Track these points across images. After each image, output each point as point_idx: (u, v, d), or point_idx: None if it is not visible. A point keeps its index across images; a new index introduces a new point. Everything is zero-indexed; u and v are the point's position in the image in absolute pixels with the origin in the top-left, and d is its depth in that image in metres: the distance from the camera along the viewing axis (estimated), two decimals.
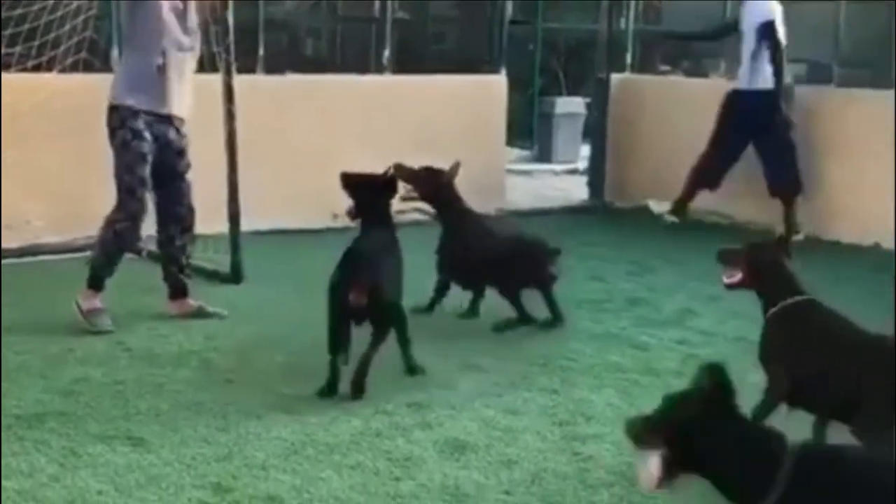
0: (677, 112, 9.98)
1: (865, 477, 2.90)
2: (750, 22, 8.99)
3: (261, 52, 9.10)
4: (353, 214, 5.65)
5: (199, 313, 6.28)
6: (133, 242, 6.27)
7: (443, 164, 9.18)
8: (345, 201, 5.67)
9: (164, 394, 5.03)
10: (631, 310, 6.89)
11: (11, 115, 7.28)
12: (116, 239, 6.06)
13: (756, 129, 8.92)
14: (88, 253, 6.42)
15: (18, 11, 7.59)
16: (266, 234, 8.18)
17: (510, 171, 10.88)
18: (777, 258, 4.56)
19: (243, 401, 4.98)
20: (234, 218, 7.06)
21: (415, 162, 8.86)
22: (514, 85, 10.94)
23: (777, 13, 8.99)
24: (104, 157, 6.19)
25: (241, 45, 9.21)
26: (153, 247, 7.29)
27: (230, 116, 7.06)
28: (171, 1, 6.02)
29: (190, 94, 6.21)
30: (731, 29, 9.55)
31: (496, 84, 9.98)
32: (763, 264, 4.55)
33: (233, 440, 4.51)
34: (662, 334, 6.32)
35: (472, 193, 9.40)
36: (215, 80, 7.08)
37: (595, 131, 10.45)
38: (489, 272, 6.35)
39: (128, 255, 6.96)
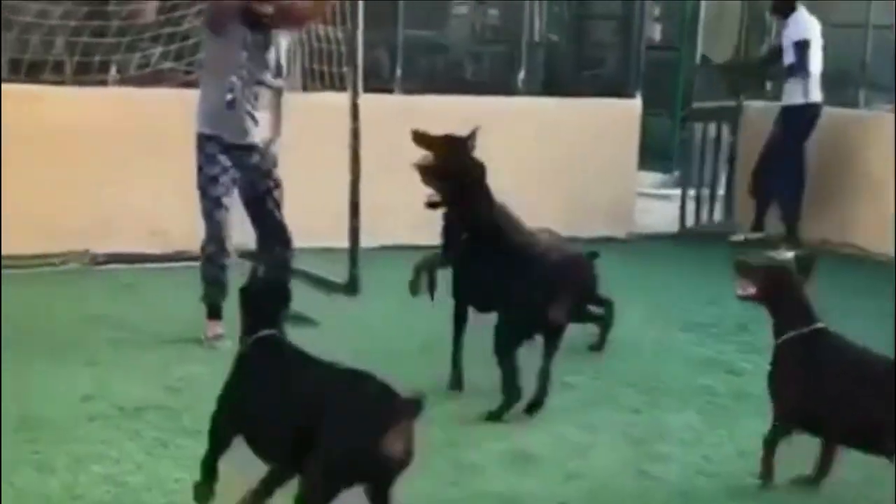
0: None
1: None
2: (789, 39, 9.36)
3: (398, 72, 9.38)
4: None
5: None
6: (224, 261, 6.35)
7: (573, 186, 9.49)
8: None
9: None
10: (737, 335, 6.91)
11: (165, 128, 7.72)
12: (209, 264, 6.28)
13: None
14: None
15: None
16: (392, 248, 8.44)
17: (647, 195, 10.95)
18: (793, 284, 4.53)
19: None
20: (354, 232, 7.34)
21: (546, 184, 9.16)
22: (658, 108, 11.05)
23: (814, 32, 9.37)
24: None
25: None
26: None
27: (355, 135, 7.37)
28: (252, 34, 6.17)
29: (275, 119, 6.38)
30: (777, 54, 9.76)
31: (630, 108, 10.07)
32: (779, 288, 4.53)
33: None
34: (762, 361, 6.30)
35: (602, 215, 9.72)
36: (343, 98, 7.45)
37: (729, 158, 10.47)
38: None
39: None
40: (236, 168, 6.27)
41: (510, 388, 5.14)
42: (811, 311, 4.49)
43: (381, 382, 3.54)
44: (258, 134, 6.31)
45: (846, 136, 9.72)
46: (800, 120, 9.44)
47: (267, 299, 3.98)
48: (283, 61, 6.42)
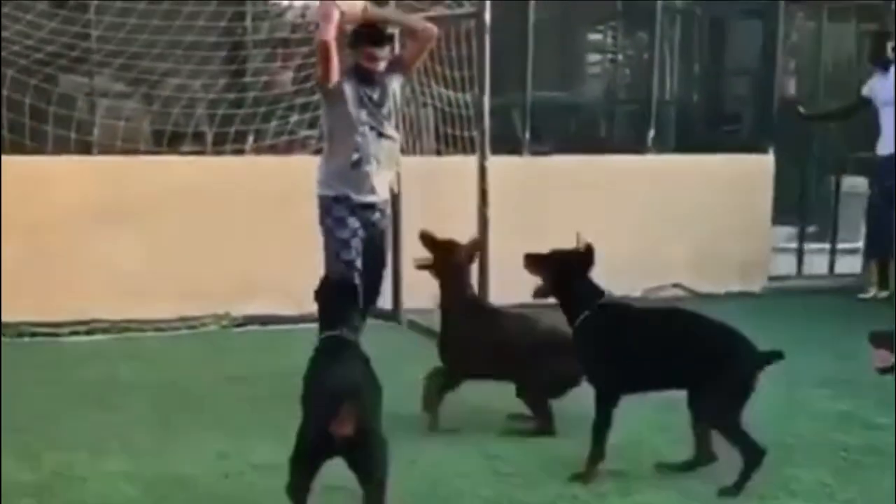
0: None
1: None
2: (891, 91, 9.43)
3: (527, 135, 9.50)
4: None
5: None
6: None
7: (706, 242, 9.46)
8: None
9: None
10: (875, 390, 6.76)
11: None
12: None
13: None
14: None
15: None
16: (523, 307, 8.50)
17: (785, 250, 10.84)
18: None
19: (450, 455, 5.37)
20: (482, 290, 7.42)
21: (672, 240, 9.15)
22: (797, 163, 10.96)
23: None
24: None
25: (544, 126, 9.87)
26: (413, 316, 7.89)
27: (483, 196, 7.50)
28: (361, 88, 6.33)
29: (391, 175, 6.61)
30: (866, 104, 9.81)
31: (763, 163, 10.03)
32: None
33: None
34: None
35: (736, 270, 9.67)
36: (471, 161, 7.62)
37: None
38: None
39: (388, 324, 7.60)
40: (362, 227, 6.42)
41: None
42: None
43: None
44: (383, 191, 6.49)
45: None
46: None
47: (335, 301, 4.72)
48: (396, 108, 6.56)
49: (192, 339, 7.95)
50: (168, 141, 8.53)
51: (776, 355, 4.96)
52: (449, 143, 8.85)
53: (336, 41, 6.22)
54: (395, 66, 6.51)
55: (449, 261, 6.11)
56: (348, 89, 6.33)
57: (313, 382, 4.46)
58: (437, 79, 8.63)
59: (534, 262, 5.45)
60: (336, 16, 6.20)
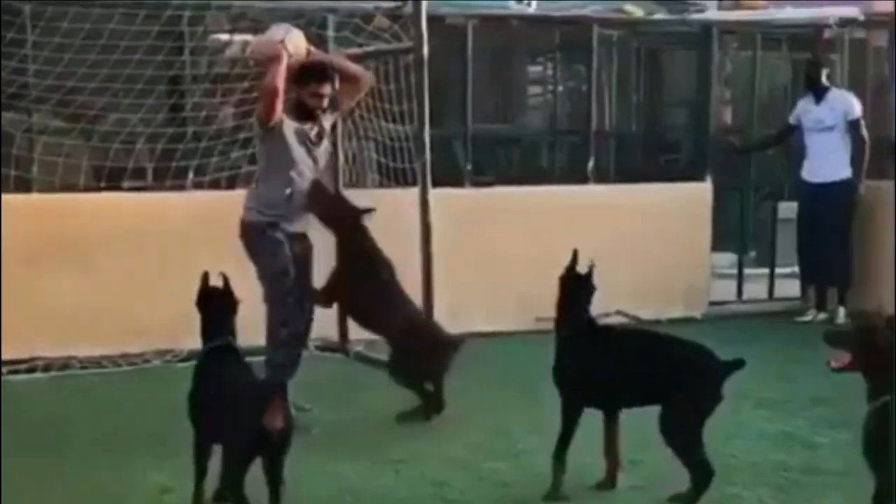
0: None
1: None
2: (839, 114, 9.71)
3: (468, 167, 9.58)
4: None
5: None
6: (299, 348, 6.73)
7: (647, 270, 9.57)
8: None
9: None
10: (812, 409, 6.90)
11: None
12: (282, 350, 6.54)
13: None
14: None
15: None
16: (467, 336, 8.55)
17: (723, 276, 10.98)
18: (887, 344, 4.38)
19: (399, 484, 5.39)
20: (427, 318, 7.47)
21: (614, 268, 9.22)
22: (735, 190, 11.13)
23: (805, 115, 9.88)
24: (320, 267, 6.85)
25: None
26: (361, 348, 7.92)
27: (426, 228, 7.54)
28: (300, 125, 6.51)
29: None
30: (792, 130, 10.12)
31: (700, 191, 10.18)
32: (872, 350, 4.40)
33: None
34: (838, 435, 6.29)
35: (677, 297, 9.79)
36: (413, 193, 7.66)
37: None
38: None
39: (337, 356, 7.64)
40: (293, 256, 6.54)
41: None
42: None
43: None
44: (307, 226, 6.67)
45: None
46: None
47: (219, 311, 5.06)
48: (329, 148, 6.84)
49: (136, 375, 7.91)
50: (108, 177, 8.50)
51: (738, 364, 5.08)
52: (390, 176, 8.90)
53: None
54: (330, 105, 6.70)
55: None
56: (288, 127, 6.47)
57: (218, 388, 4.80)
58: (378, 112, 8.70)
59: None
60: (284, 57, 6.31)
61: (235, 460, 4.52)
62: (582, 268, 5.52)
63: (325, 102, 6.58)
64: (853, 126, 9.74)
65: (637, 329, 5.66)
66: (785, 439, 6.29)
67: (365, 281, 6.67)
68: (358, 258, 6.76)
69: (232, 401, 4.68)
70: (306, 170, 6.58)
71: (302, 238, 6.67)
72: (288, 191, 6.51)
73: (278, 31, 6.60)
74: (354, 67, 6.93)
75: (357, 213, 6.80)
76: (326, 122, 6.70)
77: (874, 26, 10.97)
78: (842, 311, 9.93)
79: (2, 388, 7.39)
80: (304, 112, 6.53)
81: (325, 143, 6.72)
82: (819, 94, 9.86)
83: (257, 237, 6.50)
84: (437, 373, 6.37)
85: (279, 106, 6.37)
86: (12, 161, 8.15)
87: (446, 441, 6.14)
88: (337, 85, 6.87)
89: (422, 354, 6.33)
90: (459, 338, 6.40)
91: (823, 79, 9.85)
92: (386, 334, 6.61)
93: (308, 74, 6.49)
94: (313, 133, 6.58)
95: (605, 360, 5.30)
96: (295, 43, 6.51)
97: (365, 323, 6.93)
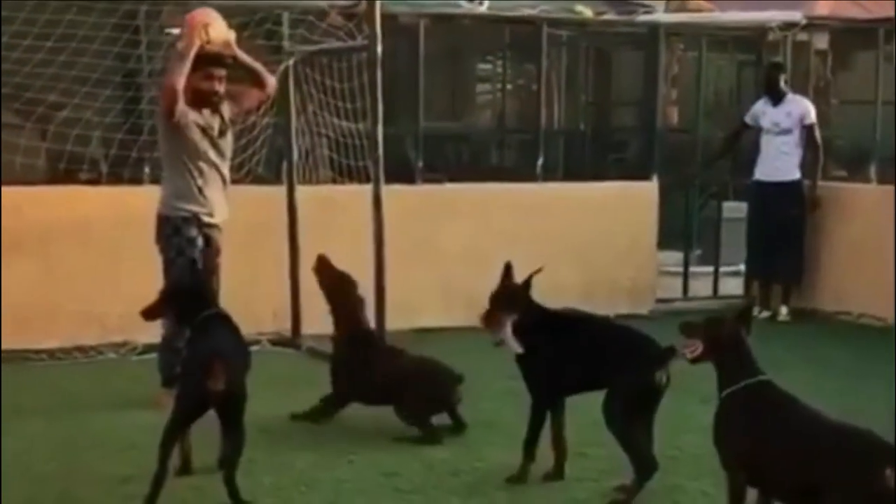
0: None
1: None
2: (795, 118, 9.99)
3: (420, 164, 9.71)
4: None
5: None
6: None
7: (595, 267, 9.76)
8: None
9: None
10: None
11: None
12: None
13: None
14: None
15: None
16: (418, 331, 8.70)
17: (670, 274, 11.21)
18: (734, 334, 4.54)
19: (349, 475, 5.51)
20: (379, 316, 7.60)
21: (562, 265, 9.41)
22: (681, 189, 11.35)
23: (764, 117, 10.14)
24: (274, 264, 6.86)
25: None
26: (313, 343, 8.02)
27: (378, 225, 7.68)
28: (201, 116, 6.68)
29: (225, 198, 6.90)
30: (747, 129, 10.41)
31: (647, 190, 10.39)
32: (720, 339, 4.55)
33: None
34: None
35: (624, 294, 9.99)
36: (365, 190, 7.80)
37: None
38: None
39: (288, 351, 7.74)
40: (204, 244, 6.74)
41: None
42: (754, 364, 4.52)
43: None
44: (222, 213, 6.83)
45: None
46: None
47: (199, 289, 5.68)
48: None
49: (90, 367, 7.98)
50: (64, 171, 8.54)
51: (670, 351, 5.19)
52: (343, 173, 9.02)
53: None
54: (233, 100, 6.88)
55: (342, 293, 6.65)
56: (190, 120, 6.65)
57: (190, 354, 5.37)
58: (331, 109, 8.81)
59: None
60: (196, 43, 6.53)
61: (174, 419, 5.00)
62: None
63: (218, 87, 6.70)
64: (809, 130, 10.05)
65: (586, 315, 5.79)
66: None
67: (365, 361, 6.52)
68: (356, 337, 6.66)
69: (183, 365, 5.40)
70: (214, 160, 6.77)
71: (215, 229, 6.84)
72: (200, 181, 6.70)
73: (201, 15, 6.73)
74: (260, 69, 7.05)
75: (355, 287, 6.75)
76: (227, 113, 6.85)
77: (816, 29, 11.22)
78: (784, 309, 10.20)
79: None
80: (201, 99, 6.66)
81: (229, 135, 6.91)
82: (776, 97, 10.10)
83: (170, 234, 6.68)
84: (444, 406, 6.39)
85: (181, 102, 6.53)
86: None
87: (397, 432, 6.26)
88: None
89: (428, 396, 6.34)
90: (459, 373, 6.43)
91: (782, 83, 10.10)
92: (394, 393, 6.40)
93: (200, 59, 6.60)
94: (216, 123, 6.77)
95: (556, 347, 5.46)
96: (216, 30, 6.67)
97: (375, 400, 6.53)
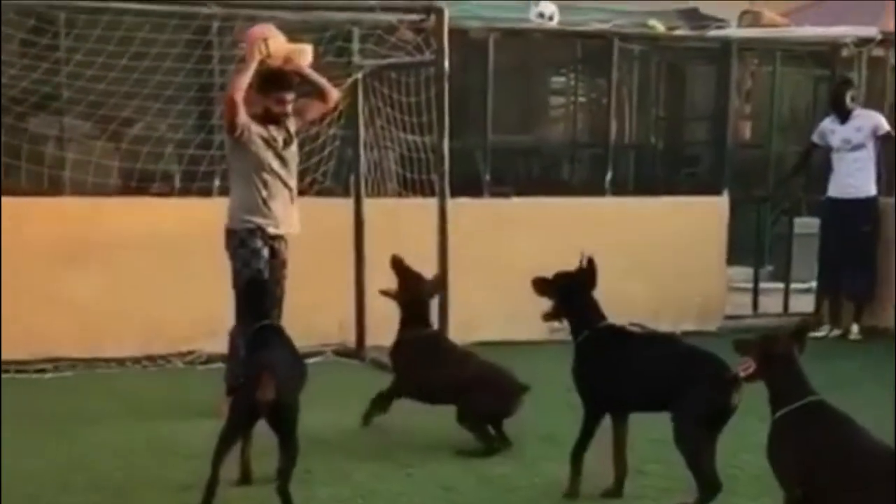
0: None
1: None
2: (867, 132, 9.84)
3: (487, 177, 9.73)
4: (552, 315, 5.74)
5: None
6: None
7: (660, 281, 9.70)
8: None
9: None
10: None
11: None
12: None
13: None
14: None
15: None
16: (483, 344, 8.70)
17: (740, 290, 11.11)
18: (787, 352, 4.48)
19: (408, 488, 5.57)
20: (442, 328, 7.62)
21: (630, 281, 9.36)
22: (753, 204, 11.27)
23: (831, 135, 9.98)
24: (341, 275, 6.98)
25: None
26: (377, 355, 8.07)
27: (443, 237, 7.73)
28: (267, 130, 6.79)
29: (293, 210, 6.98)
30: (815, 148, 10.26)
31: (717, 205, 10.31)
32: (773, 358, 4.49)
33: None
34: None
35: (692, 310, 9.91)
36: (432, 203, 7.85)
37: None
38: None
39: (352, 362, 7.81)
40: (270, 256, 6.84)
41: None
42: (806, 384, 4.46)
43: None
44: (288, 225, 6.92)
45: None
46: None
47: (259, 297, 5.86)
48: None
49: (158, 375, 8.11)
50: (136, 181, 8.70)
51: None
52: (409, 187, 9.07)
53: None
54: (297, 113, 6.99)
55: (413, 292, 6.64)
56: (255, 133, 6.76)
57: (247, 364, 5.47)
58: (399, 124, 8.87)
59: (540, 284, 5.72)
60: (256, 56, 6.67)
61: (227, 428, 5.12)
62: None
63: (289, 108, 6.86)
64: (884, 140, 9.93)
65: (650, 332, 5.75)
66: None
67: (433, 359, 6.60)
68: (424, 337, 6.73)
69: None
70: (279, 172, 6.87)
71: (280, 240, 6.94)
72: (264, 193, 6.80)
73: (262, 30, 6.88)
74: (323, 82, 7.15)
75: (429, 288, 6.86)
76: (292, 126, 6.97)
77: (892, 45, 11.06)
78: (855, 327, 10.06)
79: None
80: (270, 117, 6.82)
81: (294, 147, 7.01)
82: (843, 114, 9.97)
83: (237, 246, 6.79)
84: (504, 416, 6.39)
85: (242, 114, 6.67)
86: (45, 161, 8.35)
87: (458, 445, 6.28)
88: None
89: (491, 400, 6.35)
90: (524, 384, 6.41)
91: (849, 100, 9.97)
92: (458, 394, 6.40)
93: (270, 82, 6.78)
94: (281, 137, 6.88)
95: (618, 364, 5.42)
96: (275, 46, 6.79)
97: (438, 399, 6.54)
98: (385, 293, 6.76)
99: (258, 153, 6.80)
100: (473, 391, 6.31)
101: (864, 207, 9.96)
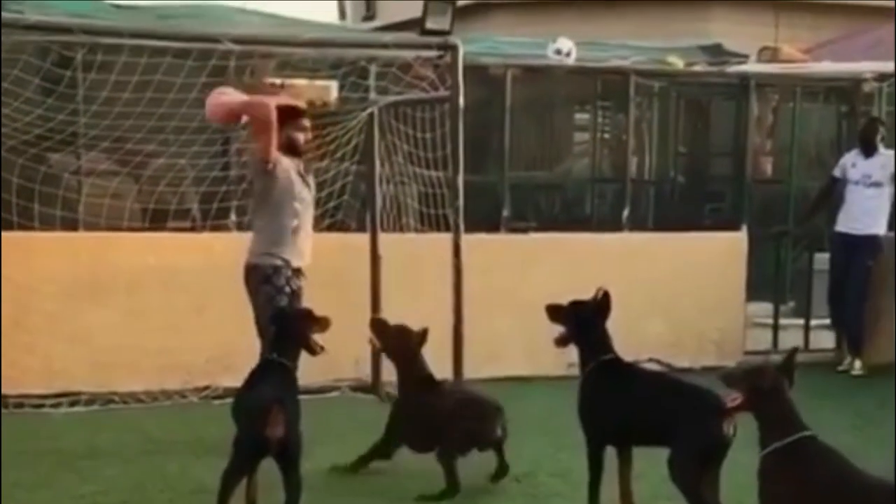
0: None
1: None
2: (889, 173, 9.83)
3: (505, 213, 9.73)
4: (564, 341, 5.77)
5: None
6: None
7: (679, 317, 9.65)
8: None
9: None
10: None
11: None
12: None
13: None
14: None
15: None
16: (501, 380, 8.67)
17: (761, 325, 11.03)
18: (775, 386, 4.40)
19: None
20: (457, 363, 7.63)
21: (649, 316, 9.34)
22: (773, 240, 11.21)
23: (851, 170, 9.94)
24: (357, 311, 7.13)
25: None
26: (393, 390, 8.02)
27: (457, 273, 7.73)
28: (293, 161, 6.92)
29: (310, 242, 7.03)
30: (836, 182, 10.19)
31: (735, 240, 10.26)
32: (761, 391, 4.41)
33: None
34: None
35: (711, 346, 9.85)
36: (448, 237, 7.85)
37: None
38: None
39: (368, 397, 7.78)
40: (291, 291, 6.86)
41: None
42: (797, 418, 4.38)
43: None
44: (308, 257, 6.98)
45: None
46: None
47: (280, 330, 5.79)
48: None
49: (172, 410, 8.10)
50: (152, 217, 8.74)
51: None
52: (426, 222, 9.07)
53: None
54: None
55: (401, 346, 6.56)
56: (285, 163, 6.87)
57: (246, 396, 5.49)
58: (414, 160, 8.89)
59: (553, 311, 5.81)
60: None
61: (233, 464, 5.15)
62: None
63: (309, 135, 7.13)
64: None
65: (651, 371, 5.73)
66: None
67: (422, 410, 6.43)
68: (417, 393, 6.53)
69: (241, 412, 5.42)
70: (307, 199, 7.02)
71: (299, 274, 6.98)
72: (294, 222, 6.87)
73: (217, 97, 7.02)
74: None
75: (417, 341, 6.61)
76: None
77: None
78: (857, 363, 10.02)
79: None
80: (292, 147, 6.94)
81: (310, 178, 7.15)
82: (870, 150, 9.95)
83: (261, 283, 6.80)
84: (489, 440, 6.25)
85: (276, 146, 6.77)
86: (59, 201, 8.38)
87: (469, 480, 6.23)
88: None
89: (471, 426, 6.22)
90: (499, 405, 6.31)
91: (878, 139, 9.95)
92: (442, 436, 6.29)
93: (286, 114, 6.87)
94: (301, 167, 7.02)
95: (616, 396, 5.46)
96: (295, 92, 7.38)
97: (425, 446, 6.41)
98: (371, 344, 6.78)
99: (289, 182, 6.87)
100: (452, 423, 6.17)
101: (866, 244, 9.91)
